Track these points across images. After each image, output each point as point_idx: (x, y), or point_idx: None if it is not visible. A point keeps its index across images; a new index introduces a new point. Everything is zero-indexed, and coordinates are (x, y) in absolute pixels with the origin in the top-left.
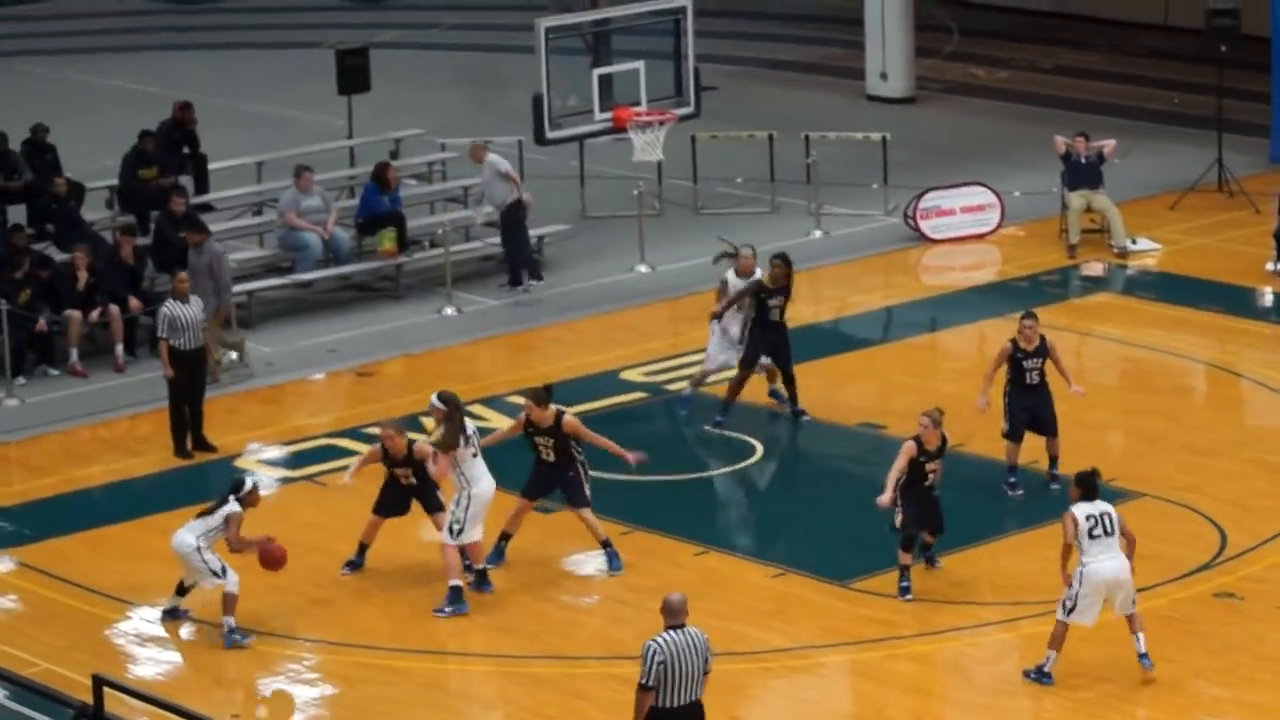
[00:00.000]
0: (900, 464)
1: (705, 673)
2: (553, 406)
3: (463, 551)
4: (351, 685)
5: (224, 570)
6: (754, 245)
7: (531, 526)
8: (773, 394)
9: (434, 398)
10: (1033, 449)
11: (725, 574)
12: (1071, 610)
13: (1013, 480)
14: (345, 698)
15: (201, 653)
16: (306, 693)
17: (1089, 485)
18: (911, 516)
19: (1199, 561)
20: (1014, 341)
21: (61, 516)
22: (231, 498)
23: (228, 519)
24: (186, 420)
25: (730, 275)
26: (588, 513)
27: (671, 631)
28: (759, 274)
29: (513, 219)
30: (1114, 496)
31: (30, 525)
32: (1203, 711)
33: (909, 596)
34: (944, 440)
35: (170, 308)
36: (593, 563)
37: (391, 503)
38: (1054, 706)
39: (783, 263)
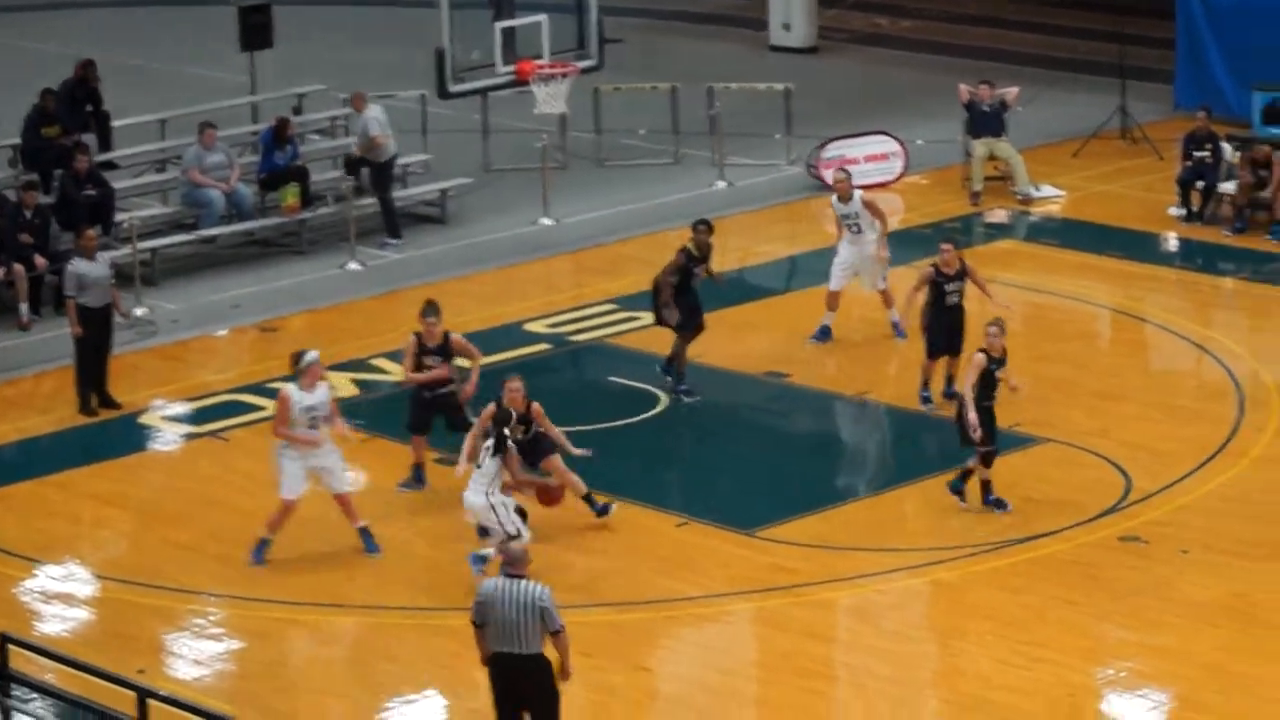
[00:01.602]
0: (974, 376)
1: (551, 631)
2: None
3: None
4: (258, 639)
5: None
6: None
7: (438, 480)
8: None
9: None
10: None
11: (630, 524)
12: None
13: (925, 395)
14: (251, 652)
15: (107, 609)
16: (213, 647)
17: None
18: (988, 432)
19: (1104, 506)
20: (935, 266)
21: None
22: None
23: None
24: (92, 378)
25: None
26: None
27: (504, 578)
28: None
29: (386, 175)
30: (1020, 442)
31: None
32: (1108, 654)
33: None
34: (1004, 350)
35: (77, 265)
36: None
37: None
38: (960, 651)
39: (707, 228)
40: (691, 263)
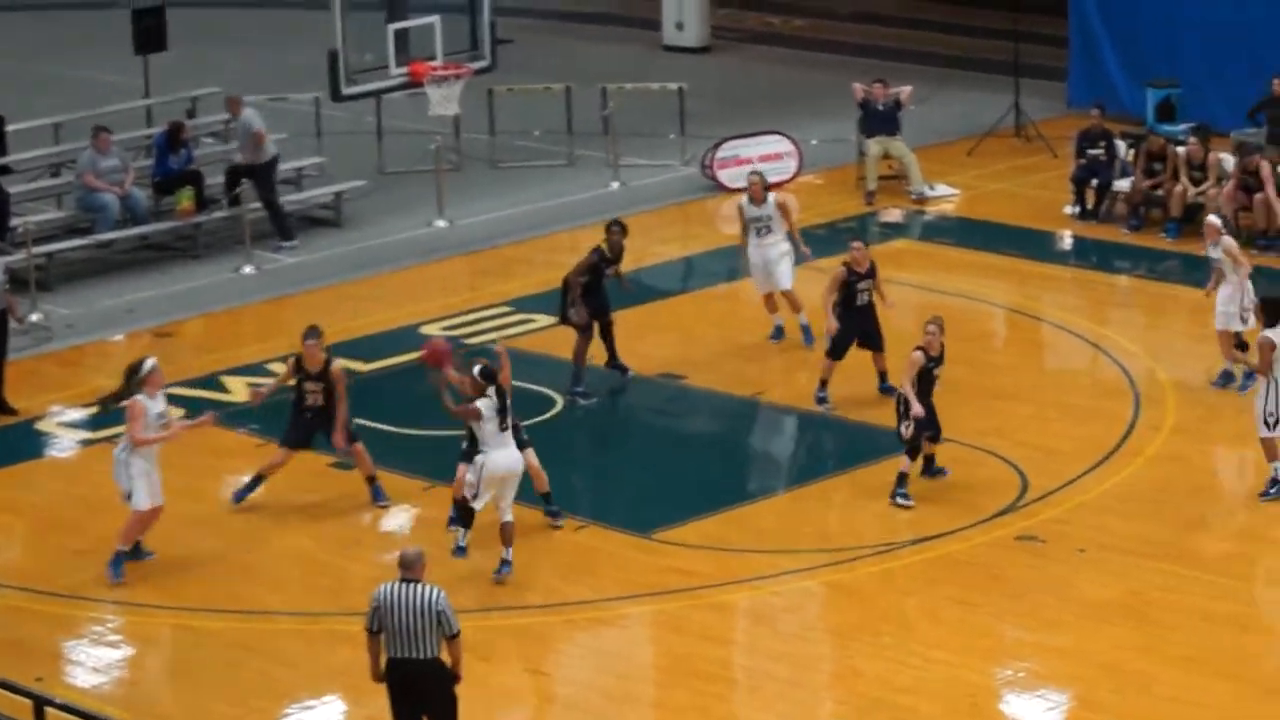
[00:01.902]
0: (912, 374)
1: (447, 636)
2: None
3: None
4: (156, 646)
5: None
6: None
7: (335, 484)
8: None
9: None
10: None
11: (527, 527)
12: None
13: (822, 395)
14: (149, 659)
15: (3, 617)
16: (111, 654)
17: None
18: (919, 425)
19: (1000, 505)
20: (846, 265)
21: None
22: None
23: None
24: None
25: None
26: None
27: (399, 583)
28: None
29: (268, 178)
30: None
31: None
32: (1006, 655)
33: (911, 503)
34: (943, 348)
35: None
36: (394, 520)
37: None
38: (856, 654)
39: (621, 230)
40: (604, 263)
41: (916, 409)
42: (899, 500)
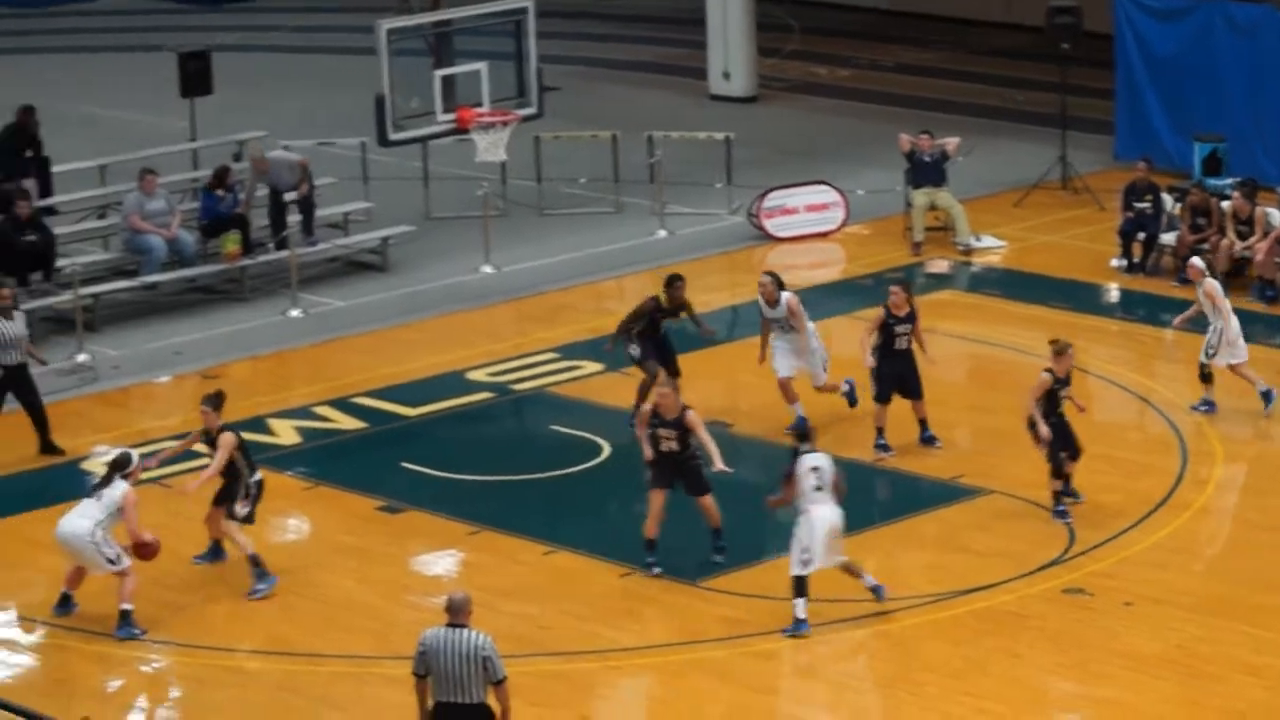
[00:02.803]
0: (1038, 395)
1: (494, 681)
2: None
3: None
4: (204, 688)
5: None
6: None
7: (382, 528)
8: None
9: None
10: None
11: (574, 573)
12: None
13: (882, 443)
14: (197, 700)
15: (51, 655)
16: (158, 694)
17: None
18: (1052, 446)
19: (1048, 558)
20: (886, 308)
21: None
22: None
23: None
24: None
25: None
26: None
27: (446, 628)
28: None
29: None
30: (962, 494)
31: None
32: (1054, 707)
33: (1068, 519)
34: (1070, 371)
35: None
36: (441, 563)
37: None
38: (903, 704)
39: (679, 283)
40: (659, 312)
41: (1044, 431)
42: (1059, 517)
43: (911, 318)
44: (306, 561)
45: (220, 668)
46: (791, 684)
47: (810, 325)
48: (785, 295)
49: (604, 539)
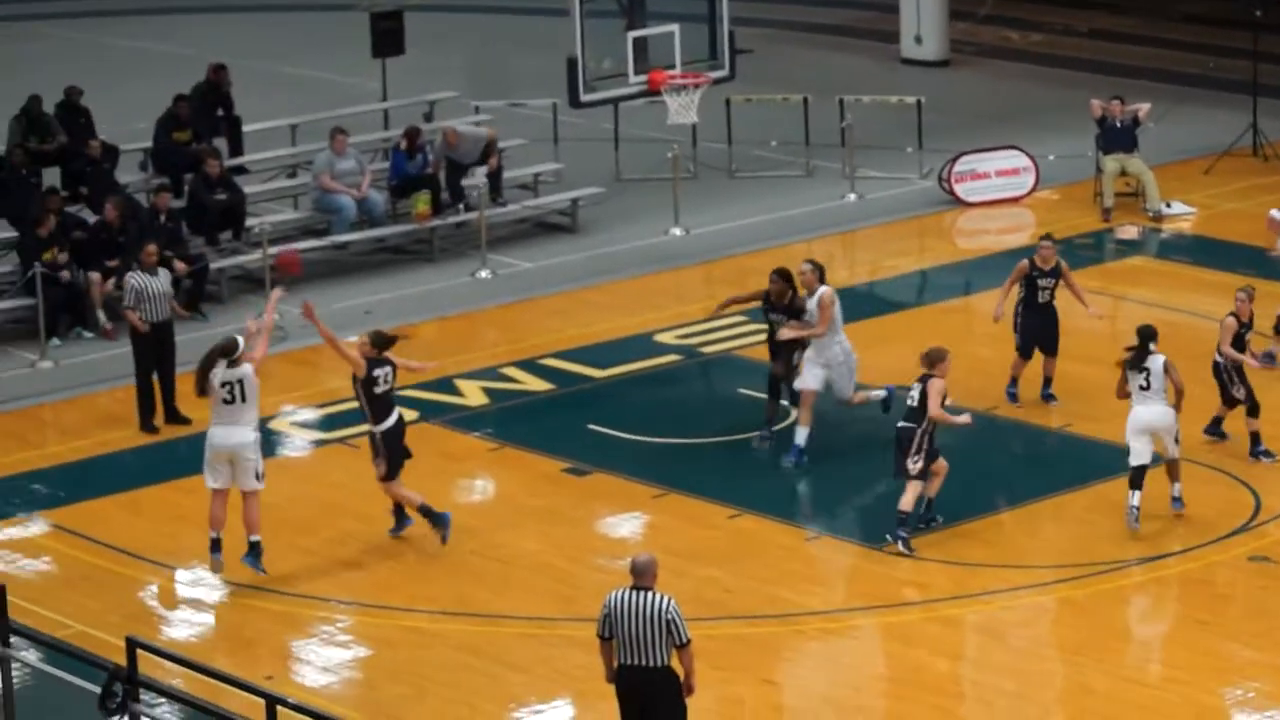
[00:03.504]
0: (1228, 339)
1: (678, 644)
2: None
3: None
4: (386, 648)
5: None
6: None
7: (567, 490)
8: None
9: None
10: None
11: (759, 537)
12: None
13: (1013, 391)
14: (379, 660)
15: (234, 615)
16: (340, 655)
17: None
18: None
19: (1233, 525)
20: (1031, 260)
21: (95, 479)
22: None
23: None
24: (154, 394)
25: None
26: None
27: (631, 590)
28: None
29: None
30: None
31: (64, 488)
32: (1238, 675)
33: (1273, 457)
34: (1252, 314)
35: (136, 279)
36: (626, 526)
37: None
38: (1087, 671)
39: (780, 278)
40: (767, 308)
41: (1248, 359)
42: (1263, 456)
43: (1057, 272)
44: (491, 523)
45: (402, 628)
46: (975, 650)
47: (840, 330)
48: (822, 289)
49: (789, 503)
